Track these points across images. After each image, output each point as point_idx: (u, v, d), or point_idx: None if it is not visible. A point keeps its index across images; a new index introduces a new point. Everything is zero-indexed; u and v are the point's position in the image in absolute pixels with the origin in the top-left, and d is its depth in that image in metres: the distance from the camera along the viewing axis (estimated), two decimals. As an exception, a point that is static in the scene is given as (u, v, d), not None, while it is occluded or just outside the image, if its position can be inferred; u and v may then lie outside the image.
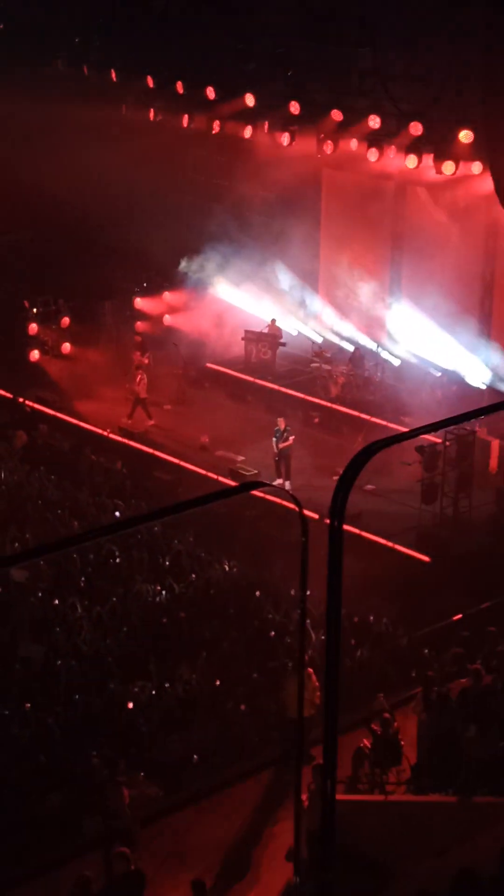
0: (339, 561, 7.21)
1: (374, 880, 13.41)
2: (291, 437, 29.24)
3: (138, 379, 32.63)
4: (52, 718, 17.82)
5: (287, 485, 28.80)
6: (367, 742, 16.89)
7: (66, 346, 35.95)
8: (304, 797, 13.90)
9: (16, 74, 36.83)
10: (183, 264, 37.24)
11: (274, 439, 29.25)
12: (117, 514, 25.54)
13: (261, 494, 28.38)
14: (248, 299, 36.60)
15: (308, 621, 18.64)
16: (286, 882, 13.88)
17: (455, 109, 30.09)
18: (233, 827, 16.42)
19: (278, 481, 28.74)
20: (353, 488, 8.07)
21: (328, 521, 8.16)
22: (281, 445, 29.15)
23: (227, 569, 24.34)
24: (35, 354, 35.64)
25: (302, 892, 10.39)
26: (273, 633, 21.16)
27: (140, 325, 36.98)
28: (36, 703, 18.37)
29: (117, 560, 23.56)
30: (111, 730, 18.01)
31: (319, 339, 36.27)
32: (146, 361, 33.97)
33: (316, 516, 26.76)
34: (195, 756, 17.43)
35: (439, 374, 32.86)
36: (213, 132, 35.90)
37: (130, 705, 18.54)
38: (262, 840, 15.97)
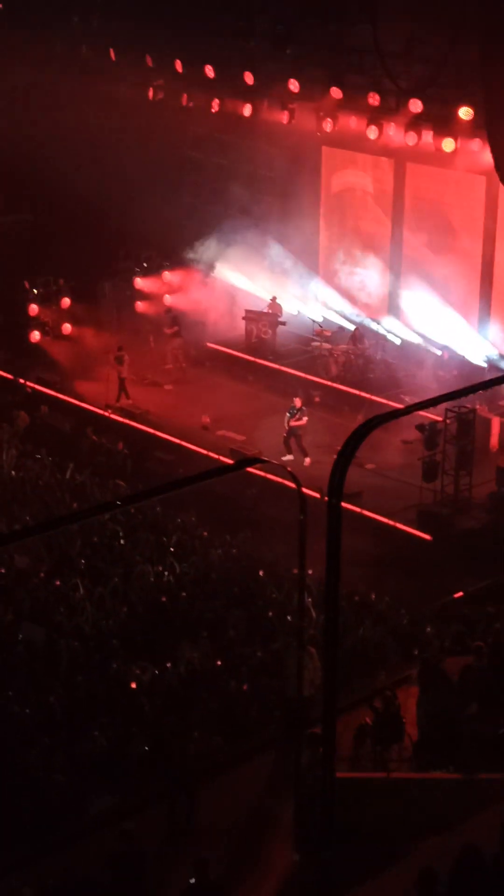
0: (337, 537, 7.23)
1: (377, 857, 13.46)
2: (305, 418, 29.27)
3: (125, 359, 32.67)
4: (55, 698, 17.85)
5: (307, 461, 28.73)
6: (368, 720, 16.92)
7: (67, 327, 35.93)
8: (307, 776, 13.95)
9: (15, 54, 36.76)
10: (190, 249, 37.18)
11: (287, 415, 29.26)
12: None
13: (262, 473, 28.42)
14: (248, 279, 36.53)
15: (310, 600, 18.71)
16: (289, 860, 13.94)
17: (455, 86, 30.03)
18: (236, 806, 16.46)
19: (287, 457, 28.78)
20: (354, 466, 8.09)
21: (327, 499, 8.18)
22: (293, 423, 29.18)
23: (229, 548, 24.36)
24: (36, 335, 35.62)
25: (303, 869, 10.43)
26: (275, 612, 21.18)
27: (141, 306, 36.93)
28: (38, 683, 18.40)
29: (121, 541, 23.56)
30: (113, 709, 18.04)
31: (320, 319, 36.23)
32: (174, 332, 34.19)
33: (317, 495, 26.80)
34: (196, 734, 17.44)
35: (440, 352, 32.84)
36: (213, 110, 35.81)
37: (133, 685, 18.57)
38: (264, 819, 16.00)
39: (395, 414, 8.74)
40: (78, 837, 15.57)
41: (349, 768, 16.40)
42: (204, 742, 17.02)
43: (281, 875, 13.25)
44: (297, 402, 29.47)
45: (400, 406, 31.15)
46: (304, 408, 29.42)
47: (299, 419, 29.28)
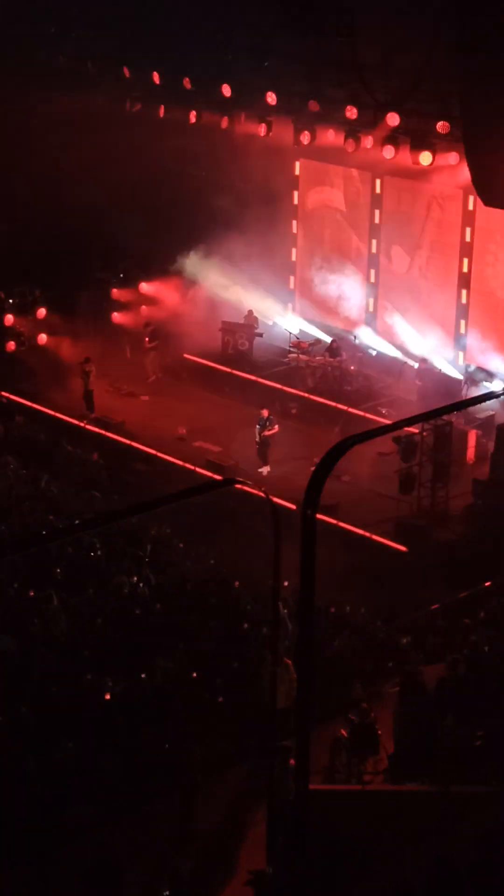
0: (312, 549, 7.21)
1: (351, 869, 13.41)
2: (276, 426, 29.35)
3: (91, 372, 32.62)
4: (26, 709, 17.75)
5: (265, 469, 28.87)
6: (343, 732, 16.88)
7: (43, 337, 35.80)
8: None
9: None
10: (167, 261, 37.16)
11: (257, 427, 29.32)
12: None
13: (237, 485, 28.37)
14: (224, 290, 36.50)
15: (286, 612, 18.66)
16: (261, 871, 13.88)
17: (432, 100, 30.11)
18: (210, 816, 16.39)
19: (264, 468, 28.84)
20: (330, 478, 8.07)
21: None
22: (265, 433, 29.24)
23: (205, 560, 24.31)
24: (11, 345, 35.48)
25: (276, 880, 10.38)
26: (250, 624, 21.12)
27: (118, 317, 36.86)
28: (9, 693, 18.29)
29: (98, 552, 23.48)
30: (86, 720, 17.95)
31: (296, 330, 36.24)
32: (154, 346, 34.18)
33: (293, 507, 26.79)
34: (167, 745, 17.39)
35: (417, 364, 32.88)
36: (190, 122, 35.82)
37: (108, 696, 18.49)
38: (238, 829, 15.96)
39: (371, 434, 8.70)
40: (52, 847, 15.47)
41: (324, 780, 16.37)
42: (179, 753, 16.99)
43: (254, 887, 13.19)
44: (265, 412, 29.51)
45: (377, 418, 31.29)
46: (271, 417, 29.47)
47: (271, 429, 29.33)
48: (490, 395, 9.67)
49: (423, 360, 32.83)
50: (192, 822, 15.87)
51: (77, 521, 22.07)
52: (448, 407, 11.01)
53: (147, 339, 34.84)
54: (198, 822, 15.99)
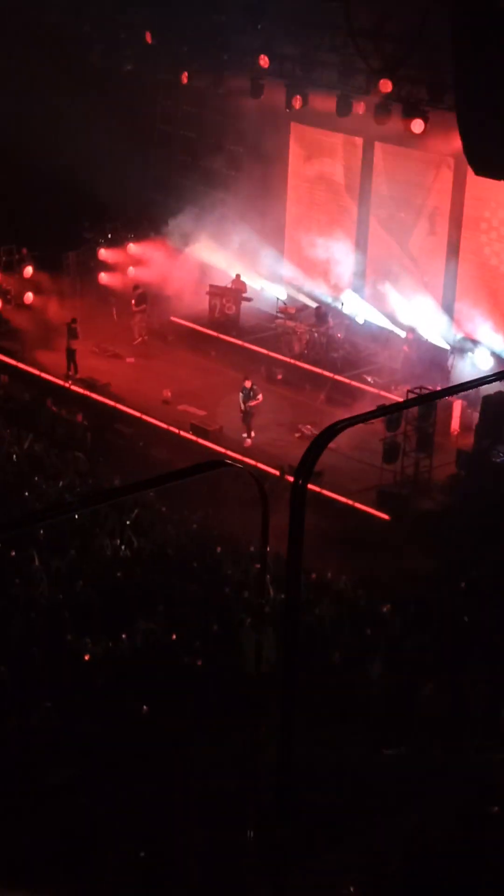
0: (301, 525, 7.19)
1: (326, 837, 13.46)
2: (260, 396, 29.23)
3: (77, 332, 32.51)
4: (5, 669, 17.75)
5: (248, 441, 28.90)
6: (320, 699, 16.90)
7: (29, 296, 35.63)
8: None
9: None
10: (156, 222, 36.98)
11: (241, 396, 29.23)
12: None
13: (221, 449, 28.40)
14: (213, 253, 36.38)
15: (268, 577, 18.68)
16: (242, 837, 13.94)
17: (425, 67, 29.94)
18: (188, 780, 16.43)
19: (249, 438, 28.88)
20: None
21: (288, 477, 8.12)
22: (250, 404, 29.13)
23: (188, 524, 24.31)
24: (-4, 304, 35.37)
25: (257, 847, 10.43)
26: (231, 589, 21.15)
27: (105, 277, 36.68)
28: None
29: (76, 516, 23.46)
30: (65, 681, 17.97)
31: (284, 296, 36.15)
32: (142, 309, 34.00)
33: (276, 472, 26.83)
34: (145, 708, 17.41)
35: (404, 333, 32.81)
36: (182, 83, 35.59)
37: (87, 657, 18.51)
38: (218, 794, 15.99)
39: (363, 417, 8.62)
40: (33, 809, 15.49)
41: (302, 746, 16.39)
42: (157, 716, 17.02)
43: (234, 852, 13.25)
44: (248, 383, 29.41)
45: (363, 386, 31.29)
46: (255, 387, 29.36)
47: (255, 398, 29.25)
48: (490, 377, 9.53)
49: (410, 329, 32.78)
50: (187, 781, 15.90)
51: (68, 500, 22.05)
52: (452, 388, 10.97)
53: (134, 301, 34.65)
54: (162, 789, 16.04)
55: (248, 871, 10.69)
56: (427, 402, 27.12)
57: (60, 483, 25.43)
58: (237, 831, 13.71)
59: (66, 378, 32.09)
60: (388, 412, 26.38)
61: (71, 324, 32.64)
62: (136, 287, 35.16)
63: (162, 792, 15.81)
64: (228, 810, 14.43)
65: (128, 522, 23.42)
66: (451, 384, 29.98)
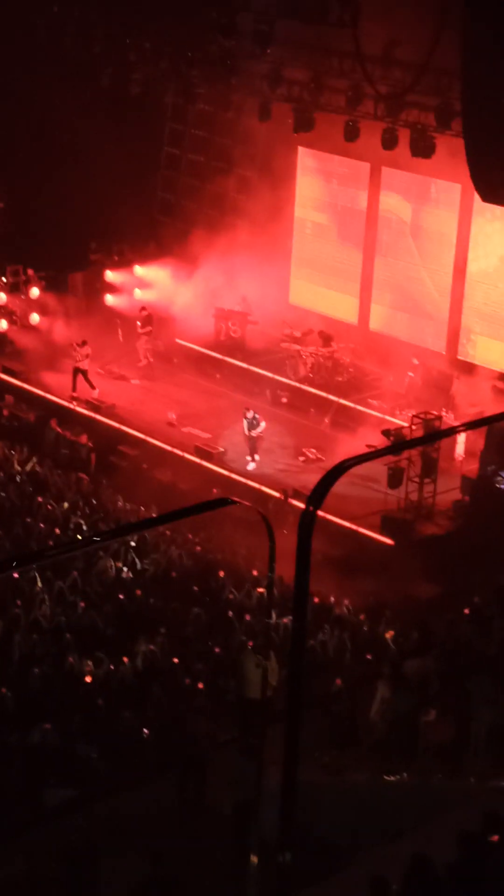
0: (307, 552, 7.17)
1: (327, 862, 13.40)
2: (262, 423, 29.16)
3: (83, 351, 32.49)
4: (7, 690, 17.71)
5: (251, 465, 28.90)
6: (324, 723, 16.87)
7: (35, 317, 35.66)
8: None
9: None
10: (162, 244, 37.04)
11: (245, 423, 29.18)
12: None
13: (225, 473, 28.41)
14: (219, 276, 36.38)
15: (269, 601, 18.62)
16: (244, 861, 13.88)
17: (434, 94, 30.00)
18: (187, 804, 16.37)
19: (253, 463, 28.89)
20: (319, 470, 8.01)
21: (291, 501, 8.10)
22: (253, 434, 29.08)
23: (191, 546, 24.29)
24: (2, 324, 35.35)
25: (259, 871, 10.37)
26: (234, 612, 21.11)
27: (111, 299, 36.69)
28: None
29: (87, 536, 23.44)
30: (66, 703, 17.93)
31: (291, 319, 36.12)
32: (147, 331, 33.99)
33: (280, 495, 26.82)
34: (146, 731, 17.37)
35: (412, 358, 32.74)
36: (191, 107, 35.69)
37: (89, 679, 18.47)
38: (220, 817, 15.93)
39: (370, 456, 8.58)
40: (32, 829, 15.45)
41: (302, 771, 16.32)
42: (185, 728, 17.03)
43: (235, 876, 13.19)
44: (250, 412, 29.33)
45: (367, 410, 31.26)
46: (256, 416, 29.28)
47: (257, 427, 29.17)
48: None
49: (415, 354, 32.75)
50: (201, 797, 15.86)
51: (80, 538, 22.09)
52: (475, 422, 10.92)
53: (140, 323, 34.66)
54: (165, 810, 16.00)
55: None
56: (430, 427, 27.14)
57: (66, 505, 25.43)
58: (239, 857, 13.65)
59: (71, 400, 32.07)
60: (401, 449, 26.47)
61: (80, 347, 32.55)
62: (142, 309, 35.15)
63: (162, 816, 15.76)
64: (231, 835, 14.38)
65: (132, 544, 23.40)
66: (455, 410, 30.02)
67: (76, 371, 32.47)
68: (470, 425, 14.24)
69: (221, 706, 18.27)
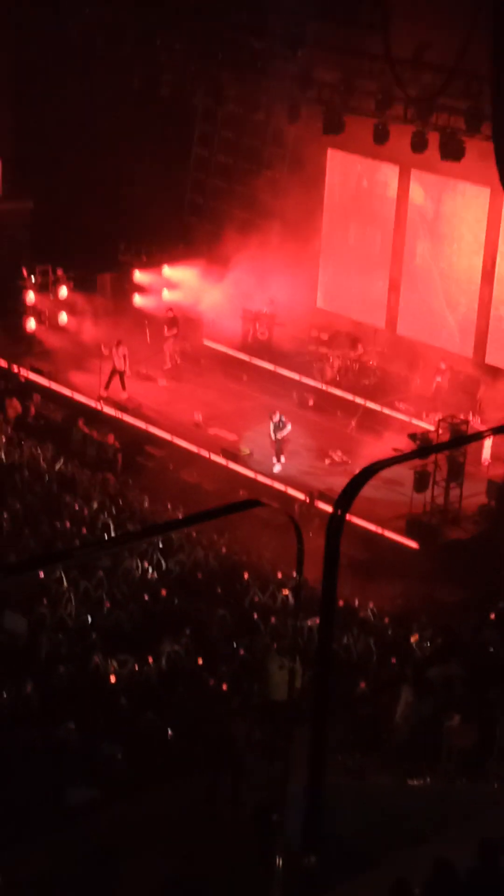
0: (336, 556, 7.20)
1: (350, 865, 13.40)
2: (288, 426, 29.15)
3: (120, 352, 32.54)
4: (32, 689, 17.77)
5: (277, 467, 28.89)
6: (348, 727, 16.89)
7: (63, 317, 35.75)
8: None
9: (26, 40, 36.76)
10: (191, 245, 37.09)
11: (271, 426, 29.19)
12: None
13: (250, 474, 28.42)
14: (247, 278, 36.40)
15: (293, 602, 18.66)
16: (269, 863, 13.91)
17: (464, 97, 29.96)
18: (211, 805, 16.39)
19: (279, 464, 28.87)
20: (345, 474, 8.02)
21: (317, 503, 8.11)
22: (279, 436, 29.09)
23: (217, 547, 24.32)
24: (31, 324, 35.45)
25: (284, 873, 10.39)
26: (258, 614, 21.13)
27: (139, 300, 36.73)
28: (17, 673, 18.32)
29: (112, 534, 23.51)
30: (90, 702, 17.98)
31: (318, 321, 36.13)
32: (173, 334, 34.06)
33: (305, 498, 26.83)
34: (170, 732, 17.41)
35: (440, 362, 32.68)
36: (221, 108, 35.72)
37: (113, 679, 18.52)
38: (245, 819, 15.95)
39: (398, 459, 8.61)
40: (53, 828, 15.49)
41: (326, 775, 16.33)
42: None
43: (258, 877, 13.20)
44: (276, 415, 29.33)
45: (394, 414, 31.23)
46: (282, 418, 29.27)
47: (283, 430, 29.17)
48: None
49: (442, 358, 32.72)
50: (236, 796, 15.88)
51: (106, 538, 22.21)
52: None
53: (166, 326, 34.68)
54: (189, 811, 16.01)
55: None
56: (457, 431, 27.10)
57: (95, 504, 25.48)
58: (263, 859, 13.67)
59: (99, 399, 32.14)
60: (429, 452, 26.45)
61: (116, 347, 32.61)
62: (168, 310, 35.17)
63: (186, 817, 15.78)
64: (256, 837, 14.39)
65: (160, 546, 23.43)
66: (482, 414, 29.98)
67: (114, 372, 32.54)
68: (498, 430, 14.25)
69: (246, 708, 18.28)
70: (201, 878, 13.51)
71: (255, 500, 9.58)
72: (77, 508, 24.99)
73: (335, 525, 7.22)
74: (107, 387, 32.45)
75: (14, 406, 31.22)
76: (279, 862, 10.62)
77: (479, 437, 24.50)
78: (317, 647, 7.59)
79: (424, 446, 25.87)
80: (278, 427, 29.13)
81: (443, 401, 31.32)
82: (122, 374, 32.62)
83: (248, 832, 14.58)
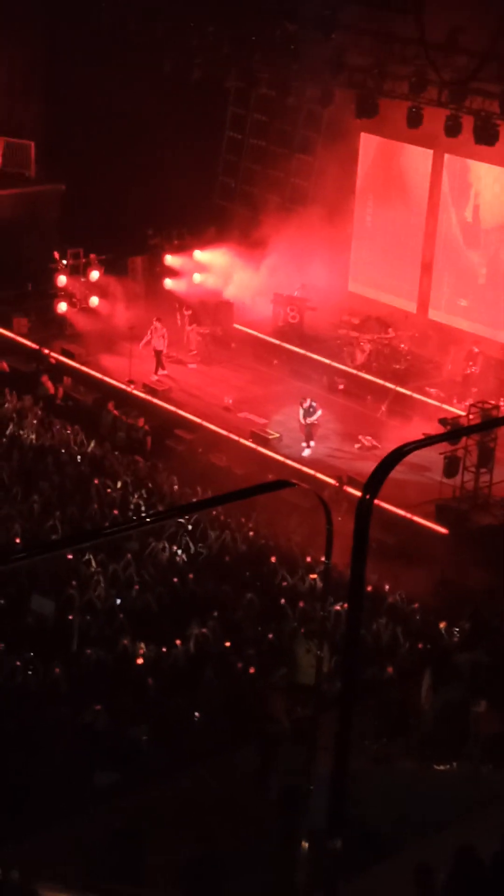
0: (365, 541, 7.18)
1: (374, 851, 13.42)
2: (319, 412, 29.11)
3: (161, 333, 32.57)
4: (61, 671, 17.84)
5: (306, 452, 28.86)
6: (375, 712, 16.88)
7: (94, 300, 35.81)
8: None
9: (60, 24, 36.78)
10: (222, 229, 37.06)
11: (301, 412, 29.17)
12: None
13: (280, 458, 28.41)
14: (278, 261, 36.35)
15: (321, 586, 18.66)
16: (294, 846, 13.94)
17: (498, 80, 29.82)
18: (236, 787, 16.44)
19: (308, 449, 28.84)
20: (374, 459, 7.98)
21: (346, 488, 8.07)
22: (309, 421, 29.05)
23: (245, 531, 24.32)
24: (62, 307, 35.52)
25: (309, 856, 10.43)
26: (286, 599, 21.13)
27: (170, 283, 36.71)
28: (46, 655, 18.39)
29: (143, 515, 23.51)
30: (119, 684, 18.04)
31: (349, 305, 36.05)
32: (193, 329, 34.11)
33: (335, 483, 26.79)
34: (197, 714, 17.44)
35: (472, 346, 32.52)
36: (254, 92, 35.65)
37: (140, 661, 18.57)
38: (265, 803, 15.98)
39: (430, 441, 8.52)
40: (80, 810, 15.56)
41: (352, 759, 16.34)
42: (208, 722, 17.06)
43: (283, 860, 13.25)
44: (307, 401, 29.28)
45: (425, 399, 31.13)
46: (313, 404, 29.22)
47: (314, 415, 29.14)
48: None
49: (475, 343, 32.57)
50: (272, 774, 15.94)
51: (139, 516, 22.28)
52: None
53: (187, 322, 34.55)
54: (215, 795, 16.04)
55: (300, 882, 10.69)
56: (488, 416, 27.00)
57: (128, 485, 25.52)
58: (288, 842, 13.70)
59: (128, 383, 32.17)
60: (459, 434, 26.35)
61: (156, 323, 32.70)
62: (185, 309, 35.05)
63: (211, 800, 15.81)
64: (282, 820, 14.42)
65: (189, 528, 23.46)
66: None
67: (157, 353, 32.62)
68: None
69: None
70: (225, 860, 13.56)
71: (285, 480, 9.51)
72: (109, 492, 25.05)
73: (364, 508, 7.16)
74: (157, 370, 32.52)
75: (46, 388, 31.31)
76: (304, 845, 10.64)
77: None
78: (344, 631, 7.57)
79: (455, 429, 25.76)
80: (308, 413, 29.11)
81: (474, 386, 31.19)
82: (159, 354, 32.67)
83: (275, 815, 14.63)
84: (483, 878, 11.46)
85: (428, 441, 8.41)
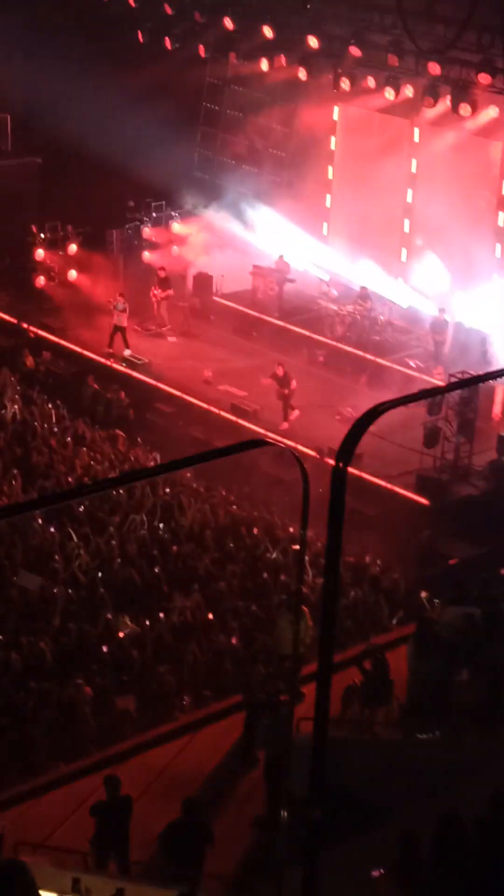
0: (341, 507, 7.15)
1: (358, 819, 13.47)
2: (293, 382, 29.05)
3: (122, 307, 32.33)
4: (45, 645, 17.87)
5: (284, 424, 28.81)
6: (357, 680, 16.92)
7: (72, 273, 35.66)
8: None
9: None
10: (200, 200, 36.90)
11: (276, 382, 29.13)
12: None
13: (261, 431, 28.40)
14: (256, 233, 36.29)
15: (306, 558, 18.70)
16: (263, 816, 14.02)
17: (475, 50, 29.74)
18: (219, 758, 16.50)
19: (286, 422, 28.80)
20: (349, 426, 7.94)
21: (327, 459, 8.06)
22: (283, 391, 29.00)
23: (227, 504, 24.34)
24: (41, 280, 35.38)
25: (290, 828, 10.47)
26: (269, 570, 21.18)
27: (148, 256, 36.60)
28: (30, 629, 18.42)
29: (119, 492, 23.52)
30: (102, 657, 18.08)
31: (327, 277, 36.01)
32: (166, 295, 33.84)
33: (315, 454, 26.80)
34: (182, 686, 17.53)
35: (441, 315, 32.47)
36: (230, 62, 35.49)
37: (121, 634, 18.61)
38: (248, 773, 16.06)
39: (406, 399, 8.47)
40: (63, 782, 15.63)
41: (335, 728, 16.42)
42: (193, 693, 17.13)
43: (266, 829, 13.32)
44: (280, 370, 29.24)
45: (404, 370, 31.16)
46: (287, 374, 29.15)
47: (288, 386, 29.09)
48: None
49: (442, 311, 32.42)
50: (254, 744, 16.04)
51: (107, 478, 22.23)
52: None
53: (158, 287, 34.09)
54: (197, 765, 16.12)
55: (280, 852, 10.74)
56: (469, 387, 27.01)
57: (107, 463, 25.52)
58: (271, 811, 13.78)
59: (108, 357, 32.07)
60: (432, 395, 26.29)
61: (119, 298, 32.45)
62: (160, 269, 34.80)
63: (193, 770, 15.89)
64: (260, 791, 14.50)
65: (167, 501, 23.48)
66: (491, 369, 29.85)
67: (115, 329, 32.39)
68: (494, 374, 14.03)
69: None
70: (208, 827, 13.63)
71: (260, 439, 9.45)
72: (91, 463, 25.04)
73: (338, 476, 7.13)
74: (110, 344, 32.32)
75: (26, 362, 31.22)
76: (284, 815, 10.70)
77: (480, 379, 24.21)
78: (321, 600, 7.58)
79: (429, 389, 25.74)
80: (282, 383, 29.02)
81: (453, 357, 31.19)
82: (123, 331, 32.45)
83: (258, 783, 14.70)
84: (467, 843, 11.53)
85: (403, 400, 8.34)
